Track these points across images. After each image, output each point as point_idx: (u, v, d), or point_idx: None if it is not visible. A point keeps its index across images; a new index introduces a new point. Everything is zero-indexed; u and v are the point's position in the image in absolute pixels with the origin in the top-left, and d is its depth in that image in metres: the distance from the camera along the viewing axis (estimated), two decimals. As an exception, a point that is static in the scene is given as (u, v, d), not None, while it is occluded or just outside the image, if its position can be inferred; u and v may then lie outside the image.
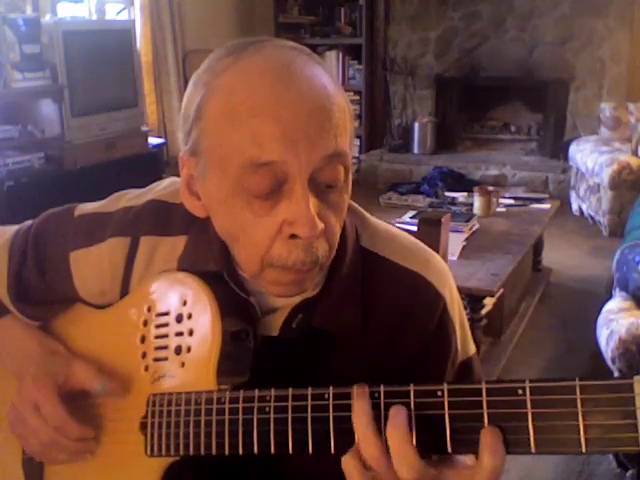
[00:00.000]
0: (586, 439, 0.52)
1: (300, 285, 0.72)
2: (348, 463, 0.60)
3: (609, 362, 2.19)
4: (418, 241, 0.86)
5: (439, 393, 0.58)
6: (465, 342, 0.84)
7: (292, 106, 0.65)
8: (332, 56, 5.74)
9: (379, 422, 0.60)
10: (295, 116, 0.65)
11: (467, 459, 0.61)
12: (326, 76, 0.70)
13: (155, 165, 4.24)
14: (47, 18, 3.87)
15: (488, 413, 0.55)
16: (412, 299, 0.79)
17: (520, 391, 0.54)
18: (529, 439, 0.54)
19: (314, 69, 0.69)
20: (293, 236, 0.67)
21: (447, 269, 0.85)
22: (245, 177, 0.66)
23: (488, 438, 0.55)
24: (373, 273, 0.79)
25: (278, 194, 0.67)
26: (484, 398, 0.56)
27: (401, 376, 0.76)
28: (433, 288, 0.80)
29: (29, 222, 0.92)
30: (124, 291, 0.84)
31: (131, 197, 0.86)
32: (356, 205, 0.85)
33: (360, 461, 0.60)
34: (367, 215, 0.85)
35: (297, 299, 0.77)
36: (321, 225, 0.67)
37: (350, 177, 0.72)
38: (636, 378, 0.50)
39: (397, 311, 0.78)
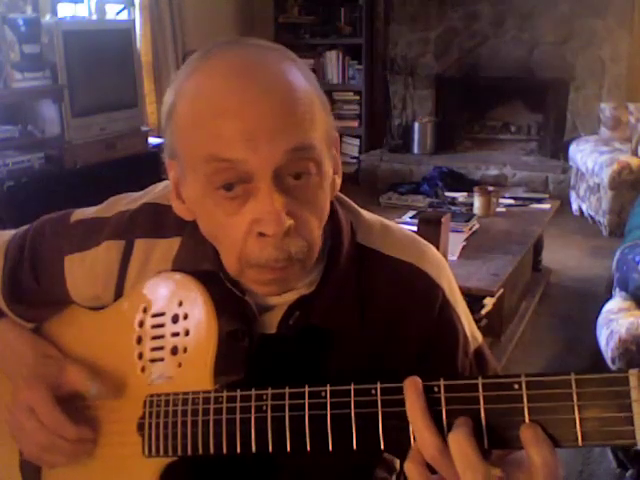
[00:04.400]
0: (582, 432, 0.52)
1: (283, 283, 0.72)
2: (411, 470, 0.58)
3: (609, 362, 2.19)
4: (413, 234, 0.86)
5: (435, 389, 0.58)
6: (473, 330, 0.84)
7: (253, 104, 0.65)
8: (332, 56, 5.74)
9: (377, 420, 0.59)
10: (256, 114, 0.65)
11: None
12: (296, 72, 0.69)
13: (155, 165, 4.23)
14: (47, 18, 3.86)
15: (485, 408, 0.56)
16: (409, 290, 0.79)
17: (516, 386, 0.54)
18: (526, 434, 0.54)
19: (282, 65, 0.69)
20: (262, 234, 0.67)
21: (443, 260, 0.85)
22: (209, 170, 0.67)
23: (528, 433, 0.53)
24: (369, 268, 0.79)
25: (246, 193, 0.67)
26: (480, 393, 0.56)
27: (402, 371, 0.76)
28: (430, 278, 0.80)
29: (26, 226, 0.92)
30: (118, 294, 0.84)
31: (127, 201, 0.87)
32: (350, 201, 0.85)
33: (423, 466, 0.57)
34: (361, 211, 0.85)
35: (293, 296, 0.77)
36: (288, 222, 0.67)
37: (326, 172, 0.71)
38: (631, 372, 0.51)
39: (394, 304, 0.78)
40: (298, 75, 0.69)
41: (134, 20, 4.48)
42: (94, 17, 4.42)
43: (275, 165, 0.66)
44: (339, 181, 0.77)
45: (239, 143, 0.65)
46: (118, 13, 4.66)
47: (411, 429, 0.58)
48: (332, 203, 0.81)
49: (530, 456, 0.53)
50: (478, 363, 0.82)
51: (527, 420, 0.54)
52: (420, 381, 0.58)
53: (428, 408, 0.57)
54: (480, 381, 0.56)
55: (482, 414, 0.56)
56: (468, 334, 0.82)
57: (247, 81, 0.66)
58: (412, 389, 0.58)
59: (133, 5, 4.64)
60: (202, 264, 0.77)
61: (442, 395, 0.57)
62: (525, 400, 0.54)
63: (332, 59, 5.74)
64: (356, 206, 0.85)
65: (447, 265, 0.85)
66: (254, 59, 0.69)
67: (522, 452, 0.55)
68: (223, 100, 0.66)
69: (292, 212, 0.67)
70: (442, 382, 0.58)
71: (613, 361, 2.16)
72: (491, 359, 0.85)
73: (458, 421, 0.56)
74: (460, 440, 0.55)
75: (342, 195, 0.85)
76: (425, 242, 0.85)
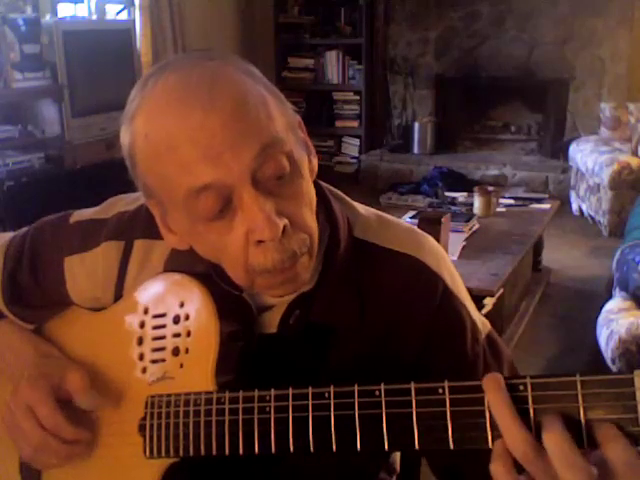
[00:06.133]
0: (587, 434, 0.52)
1: (295, 281, 0.72)
2: (498, 471, 0.55)
3: (609, 362, 2.19)
4: (410, 225, 0.86)
5: (440, 390, 0.58)
6: (480, 317, 0.83)
7: (202, 124, 0.64)
8: (332, 56, 5.73)
9: (380, 421, 0.59)
10: (209, 132, 0.64)
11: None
12: (238, 75, 0.68)
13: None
14: (47, 18, 3.86)
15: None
16: (409, 282, 0.78)
17: (522, 387, 0.55)
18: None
19: (218, 71, 0.68)
20: (260, 241, 0.67)
21: (442, 250, 0.84)
22: (192, 205, 0.67)
23: (605, 431, 0.52)
24: (368, 262, 0.79)
25: (231, 209, 0.67)
26: (486, 395, 0.56)
27: (404, 366, 0.75)
28: (429, 269, 0.79)
29: (26, 228, 0.92)
30: (118, 295, 0.84)
31: (126, 202, 0.87)
32: (343, 195, 0.85)
33: (512, 465, 0.55)
34: (356, 205, 0.85)
35: (292, 295, 0.76)
36: (282, 222, 0.66)
37: (300, 159, 0.71)
38: (636, 372, 0.51)
39: (395, 296, 0.78)
40: (240, 77, 0.68)
41: (134, 20, 4.48)
42: (94, 17, 4.42)
43: (250, 172, 0.65)
44: (315, 161, 0.76)
45: (205, 165, 0.65)
46: (118, 13, 4.66)
47: (416, 432, 0.58)
48: (327, 198, 0.80)
49: (607, 454, 0.52)
50: (492, 350, 0.80)
51: (532, 421, 0.54)
52: (501, 377, 0.56)
53: (514, 404, 0.55)
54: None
55: (487, 415, 0.55)
56: (476, 320, 0.80)
57: (186, 104, 0.65)
58: (494, 385, 0.55)
59: (133, 5, 4.64)
60: (195, 266, 0.76)
61: (447, 397, 0.57)
62: (530, 402, 0.54)
63: (332, 59, 5.73)
64: (351, 200, 0.85)
65: (446, 255, 0.84)
66: (186, 79, 0.67)
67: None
68: (173, 131, 0.65)
69: (283, 211, 0.67)
70: (446, 384, 0.57)
71: (613, 361, 2.16)
72: (504, 347, 0.83)
73: (547, 420, 0.53)
74: (557, 439, 0.52)
75: (336, 190, 0.84)
76: (423, 233, 0.84)
